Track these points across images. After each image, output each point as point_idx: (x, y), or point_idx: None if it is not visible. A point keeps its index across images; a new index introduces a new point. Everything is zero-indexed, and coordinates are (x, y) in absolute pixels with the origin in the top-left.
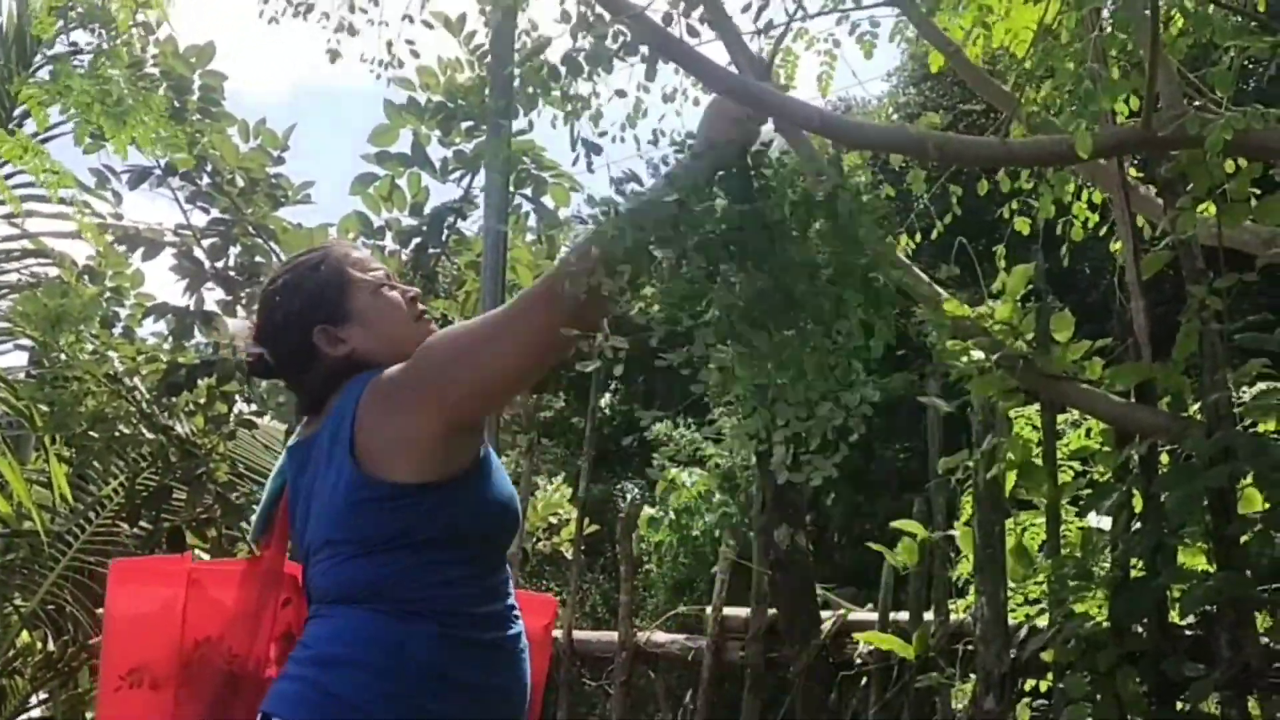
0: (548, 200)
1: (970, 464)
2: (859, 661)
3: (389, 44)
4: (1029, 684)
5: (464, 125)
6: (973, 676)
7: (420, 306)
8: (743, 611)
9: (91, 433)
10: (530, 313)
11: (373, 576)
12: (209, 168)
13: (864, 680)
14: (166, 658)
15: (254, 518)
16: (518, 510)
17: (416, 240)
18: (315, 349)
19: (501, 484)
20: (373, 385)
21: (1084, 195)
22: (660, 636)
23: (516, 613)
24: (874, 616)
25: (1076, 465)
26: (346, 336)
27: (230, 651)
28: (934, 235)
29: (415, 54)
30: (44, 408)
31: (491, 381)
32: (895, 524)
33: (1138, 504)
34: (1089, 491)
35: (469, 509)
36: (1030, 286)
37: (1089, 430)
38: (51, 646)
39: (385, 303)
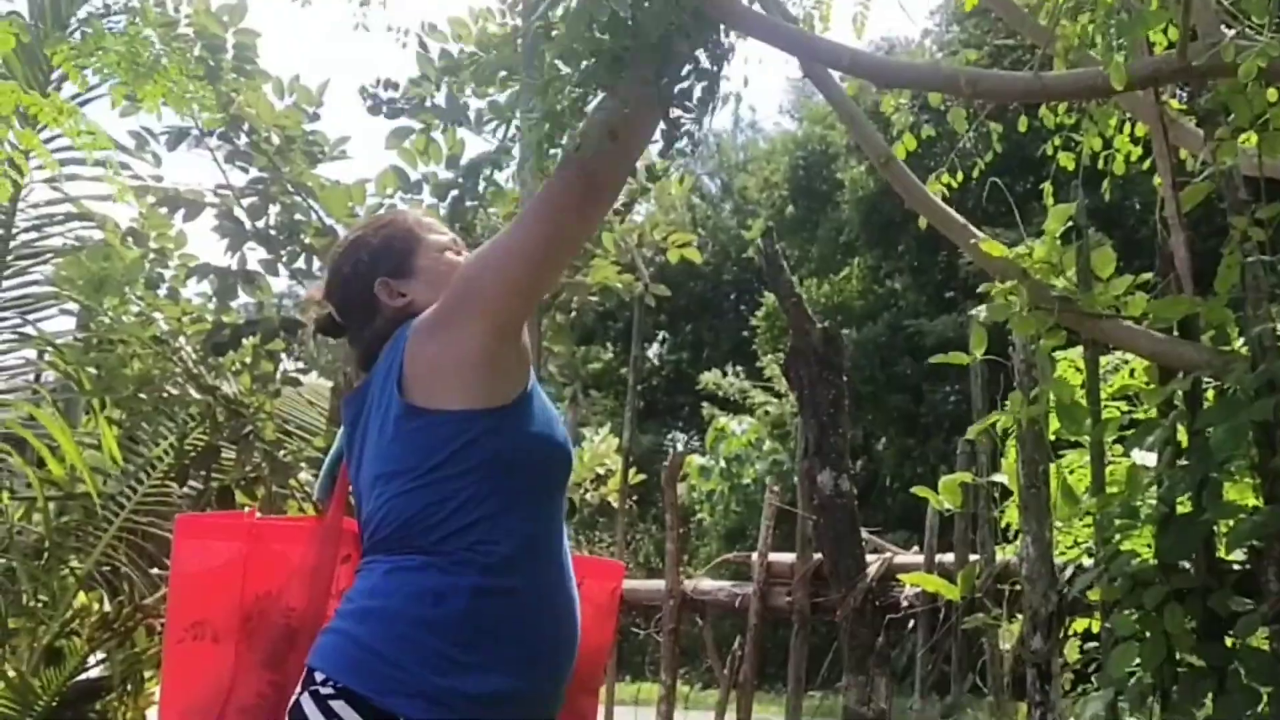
0: None
1: (1011, 408)
2: (905, 604)
3: None
4: (1077, 624)
5: (497, 76)
6: (1019, 617)
7: None
8: (789, 557)
9: (140, 394)
10: (543, 192)
11: (414, 515)
12: (245, 126)
13: (911, 623)
14: (228, 612)
15: (319, 476)
16: (569, 452)
17: (453, 193)
18: (376, 301)
19: (550, 423)
20: (418, 320)
21: (1126, 129)
22: (707, 584)
23: (567, 572)
24: (920, 559)
25: (1122, 405)
26: (407, 290)
27: (288, 606)
28: (975, 174)
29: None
30: (91, 371)
31: (523, 266)
32: (944, 478)
33: (1183, 440)
34: (1133, 430)
35: (516, 439)
36: (1071, 223)
37: (1133, 370)
38: (108, 607)
39: (448, 264)
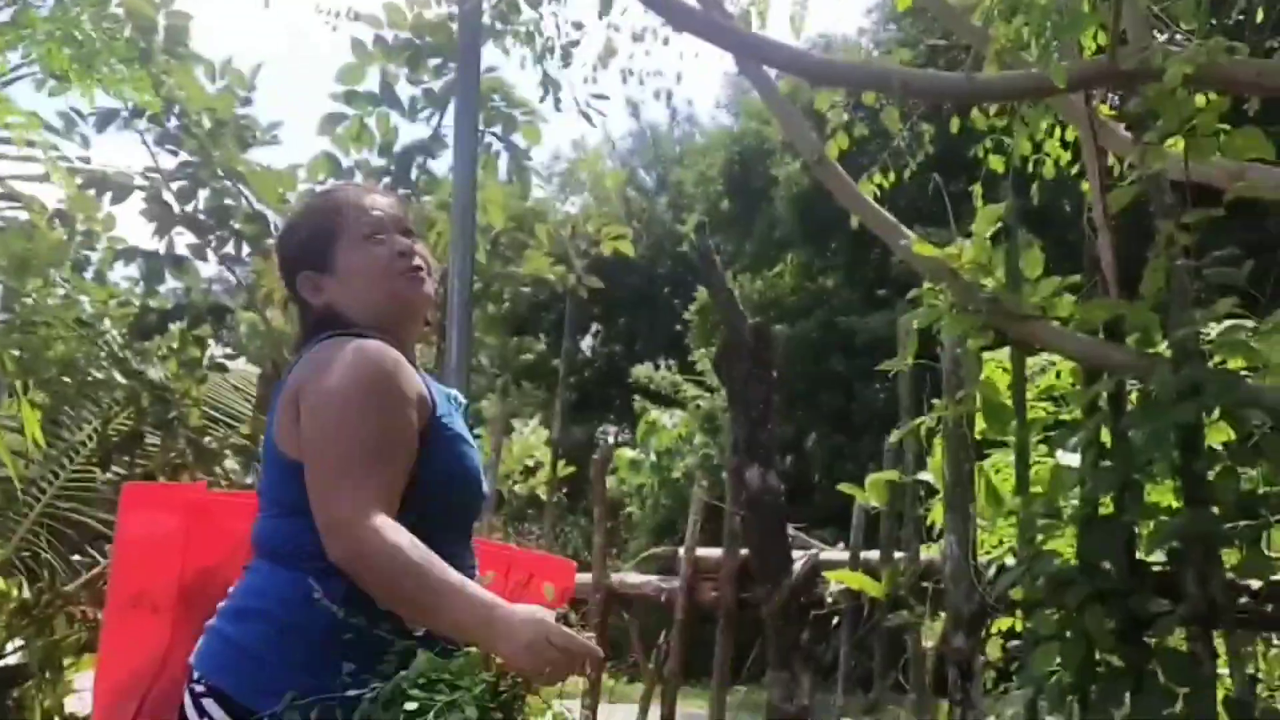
0: (518, 138)
1: (938, 408)
2: (830, 601)
3: None
4: (999, 623)
5: (432, 63)
6: (942, 615)
7: (413, 262)
8: (717, 552)
9: (64, 378)
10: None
11: (288, 535)
12: (176, 109)
13: (835, 619)
14: (168, 583)
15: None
16: (468, 484)
17: (386, 180)
18: (300, 296)
19: (442, 465)
20: (305, 390)
21: (1056, 133)
22: (634, 578)
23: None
24: (846, 556)
25: (1048, 406)
26: (325, 287)
27: (227, 581)
28: (908, 174)
29: None
30: (14, 353)
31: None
32: (871, 476)
33: (1106, 441)
34: (1058, 431)
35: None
36: (1001, 225)
37: (1059, 372)
38: (27, 594)
39: (366, 258)
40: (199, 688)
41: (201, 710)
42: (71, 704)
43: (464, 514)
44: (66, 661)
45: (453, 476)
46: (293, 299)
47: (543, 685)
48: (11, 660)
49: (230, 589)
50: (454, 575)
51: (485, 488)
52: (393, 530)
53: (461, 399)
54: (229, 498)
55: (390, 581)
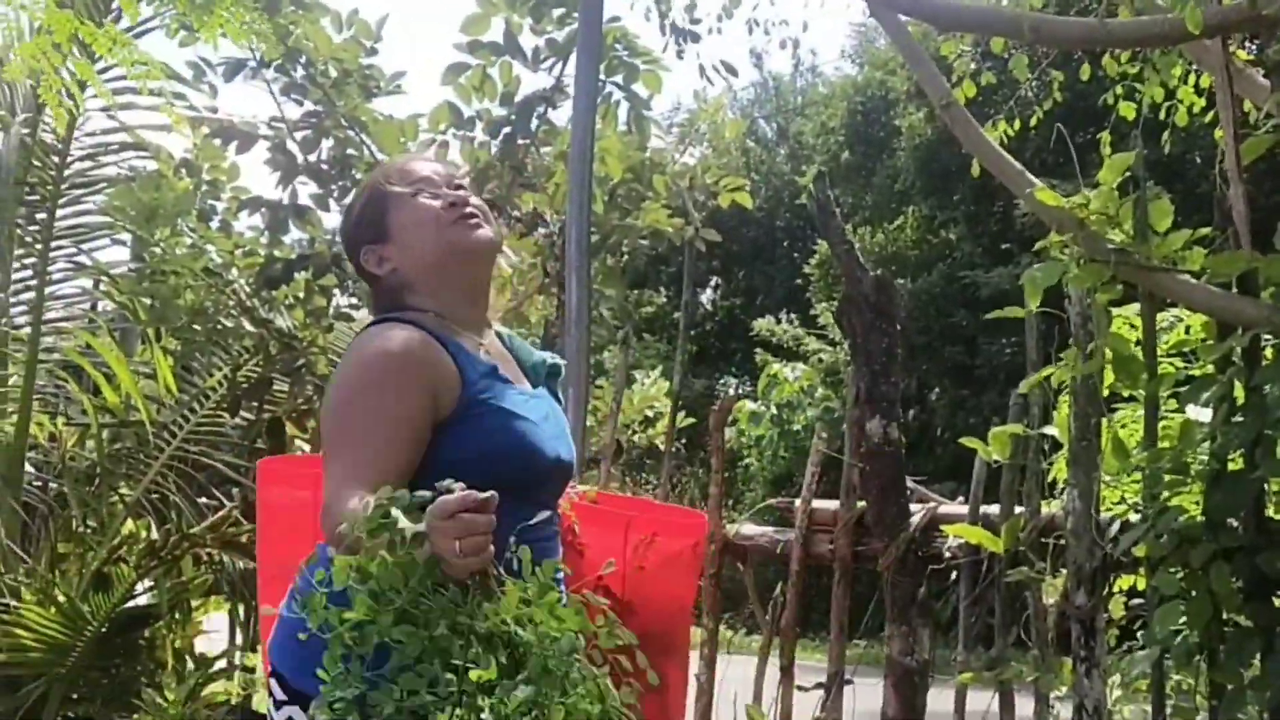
0: (639, 88)
1: (1066, 362)
2: (948, 555)
3: None
4: (1122, 580)
5: (555, 12)
6: (1063, 571)
7: (465, 210)
8: (833, 504)
9: (194, 326)
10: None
11: None
12: (302, 59)
13: (954, 574)
14: (305, 554)
15: None
16: (524, 453)
17: (506, 130)
18: (367, 272)
19: (488, 434)
20: (331, 387)
21: (1190, 80)
22: (749, 529)
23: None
24: (965, 510)
25: (1178, 361)
26: (388, 255)
27: None
28: (1034, 123)
29: None
30: (146, 301)
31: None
32: (994, 430)
33: (1239, 396)
34: (1188, 386)
35: (434, 472)
36: (1130, 175)
37: (1189, 326)
38: (155, 535)
39: (417, 214)
40: (270, 670)
41: (270, 690)
42: (201, 644)
43: (524, 486)
44: (195, 603)
45: (497, 451)
46: (362, 277)
47: (466, 557)
48: (142, 600)
49: None
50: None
51: (564, 453)
52: (354, 505)
53: (557, 361)
54: None
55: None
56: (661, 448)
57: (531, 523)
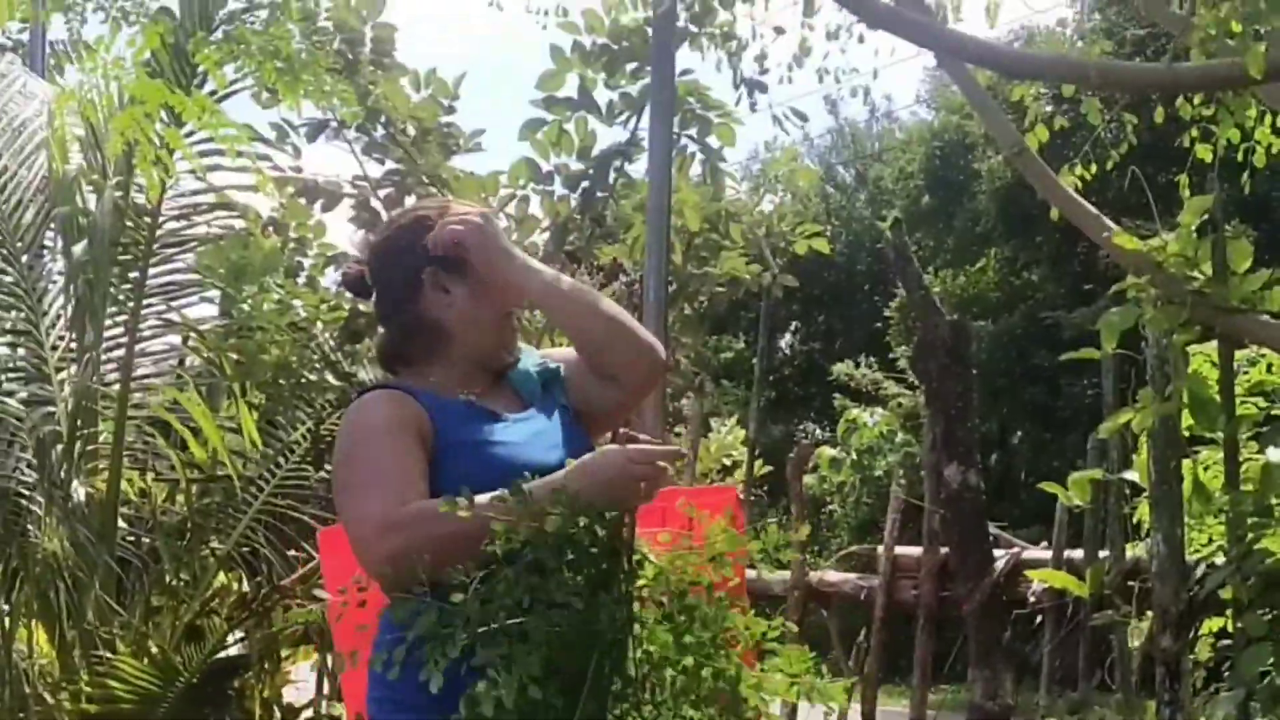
0: (713, 140)
1: (1143, 404)
2: (1033, 600)
3: None
4: (1209, 623)
5: (628, 67)
6: (1149, 614)
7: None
8: (916, 550)
9: (279, 380)
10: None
11: None
12: (382, 118)
13: (1038, 618)
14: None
15: None
16: (500, 477)
17: (584, 184)
18: (419, 286)
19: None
20: (335, 452)
21: (1267, 120)
22: (833, 575)
23: None
24: (1048, 555)
25: (1259, 401)
26: (453, 289)
27: None
28: (1110, 166)
29: None
30: (232, 356)
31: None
32: (1074, 475)
33: None
34: (1269, 426)
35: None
36: (1208, 217)
37: (1270, 365)
38: (246, 587)
39: (494, 292)
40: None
41: None
42: (289, 694)
43: None
44: (284, 653)
45: (480, 487)
46: (393, 284)
47: (645, 504)
48: (233, 651)
49: None
50: (478, 497)
51: (556, 460)
52: (399, 515)
53: (545, 364)
54: None
55: (434, 548)
56: (741, 495)
57: None
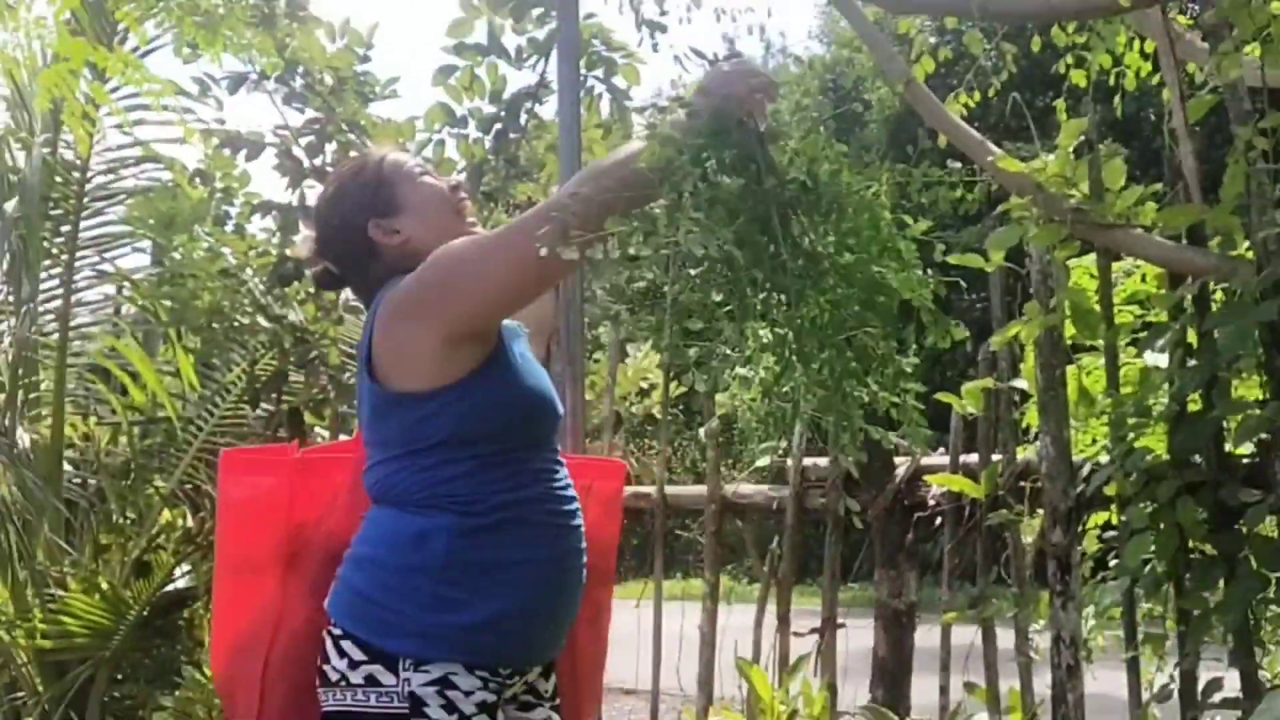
0: (619, 80)
1: (1029, 316)
2: (932, 503)
3: None
4: (1094, 518)
5: (535, 13)
6: (1040, 512)
7: (460, 195)
8: (822, 461)
9: (212, 325)
10: (526, 233)
11: (394, 479)
12: (300, 69)
13: (938, 520)
14: (273, 544)
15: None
16: (542, 400)
17: (497, 127)
18: (373, 243)
19: (515, 381)
20: (388, 298)
21: (1136, 46)
22: (746, 488)
23: (561, 490)
24: (946, 461)
25: (1134, 310)
26: (399, 226)
27: (329, 530)
28: (992, 93)
29: None
30: (166, 304)
31: (488, 295)
32: (967, 385)
33: (1192, 341)
34: (1145, 333)
35: (475, 412)
36: (1084, 138)
37: (1144, 276)
38: (190, 522)
39: (428, 190)
40: (336, 630)
41: (342, 651)
42: None
43: (537, 431)
44: None
45: (529, 396)
46: (354, 257)
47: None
48: (180, 584)
49: (352, 537)
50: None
51: (558, 406)
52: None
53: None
54: (325, 451)
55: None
56: (658, 415)
57: (556, 467)
